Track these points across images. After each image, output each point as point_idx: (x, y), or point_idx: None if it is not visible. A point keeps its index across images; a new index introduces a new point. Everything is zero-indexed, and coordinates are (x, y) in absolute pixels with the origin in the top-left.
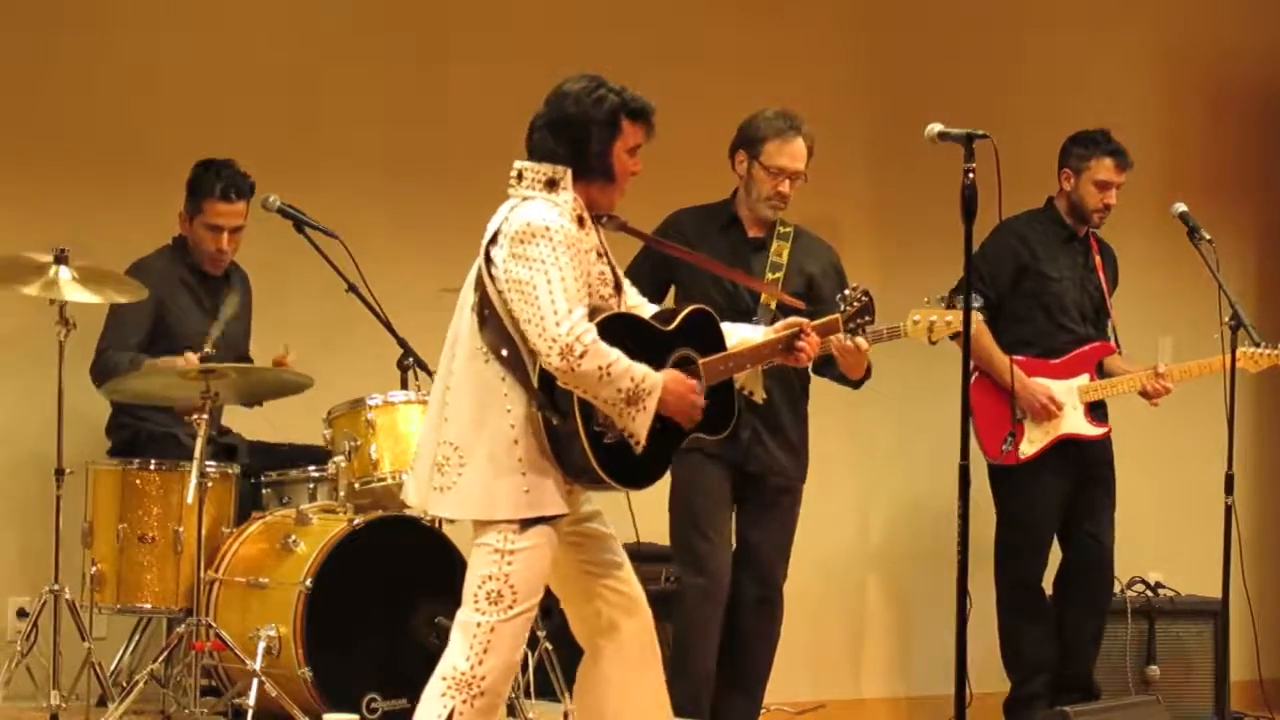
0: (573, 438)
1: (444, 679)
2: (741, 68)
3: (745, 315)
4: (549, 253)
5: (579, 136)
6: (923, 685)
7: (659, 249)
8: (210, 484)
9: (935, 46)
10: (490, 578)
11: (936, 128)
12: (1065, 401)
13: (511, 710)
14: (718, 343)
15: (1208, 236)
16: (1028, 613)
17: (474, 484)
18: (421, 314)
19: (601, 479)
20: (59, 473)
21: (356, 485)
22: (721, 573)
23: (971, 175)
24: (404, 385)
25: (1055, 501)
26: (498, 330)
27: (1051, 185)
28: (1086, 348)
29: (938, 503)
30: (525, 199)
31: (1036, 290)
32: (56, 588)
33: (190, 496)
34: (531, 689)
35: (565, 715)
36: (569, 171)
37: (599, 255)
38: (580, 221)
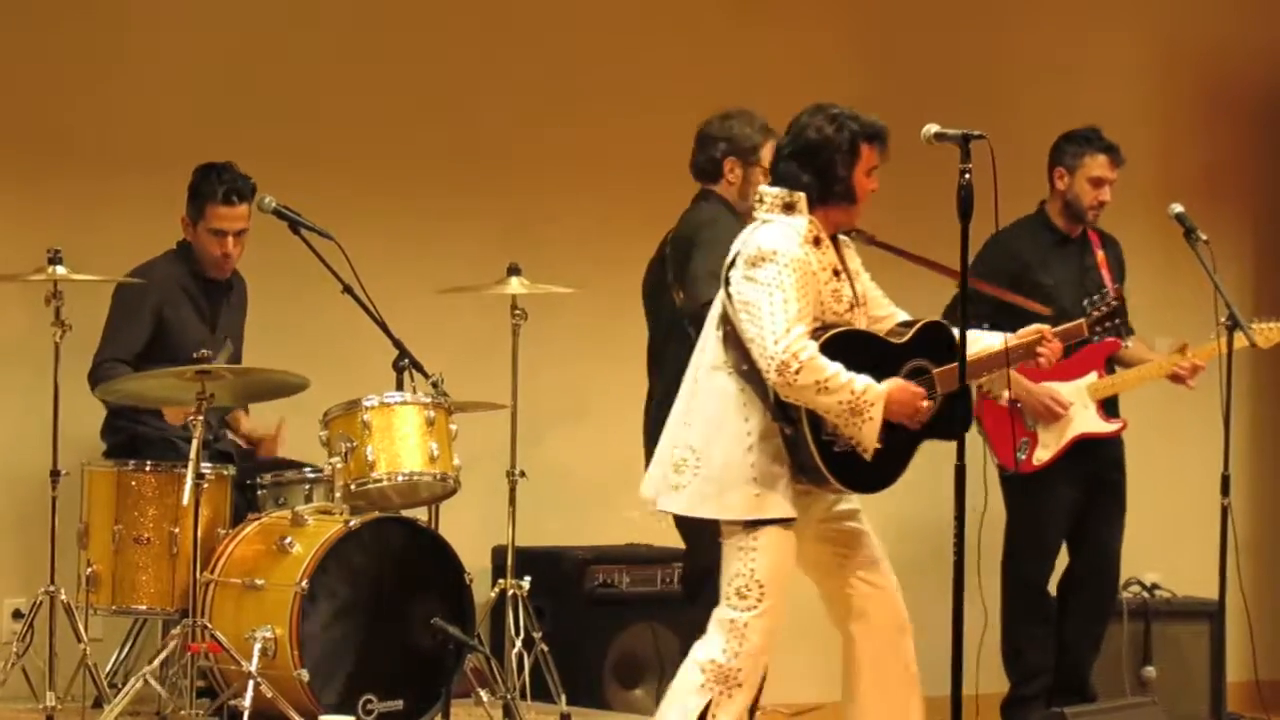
0: (803, 445)
1: (702, 671)
2: (738, 72)
3: None
4: (775, 275)
5: (823, 164)
6: (921, 686)
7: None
8: (206, 485)
9: (930, 47)
10: (738, 574)
11: (933, 129)
12: (1075, 401)
13: (507, 711)
14: (952, 352)
15: (1204, 237)
16: (1031, 616)
17: (708, 485)
18: (417, 315)
19: (831, 484)
20: (54, 474)
21: (353, 487)
22: None
23: (968, 176)
24: (399, 386)
25: (1066, 508)
26: (738, 346)
27: (1045, 187)
28: (1091, 345)
29: (939, 503)
30: (764, 222)
31: (1034, 299)
32: (52, 589)
33: (186, 498)
34: (528, 690)
35: (561, 717)
36: (804, 196)
37: (835, 274)
38: (816, 242)
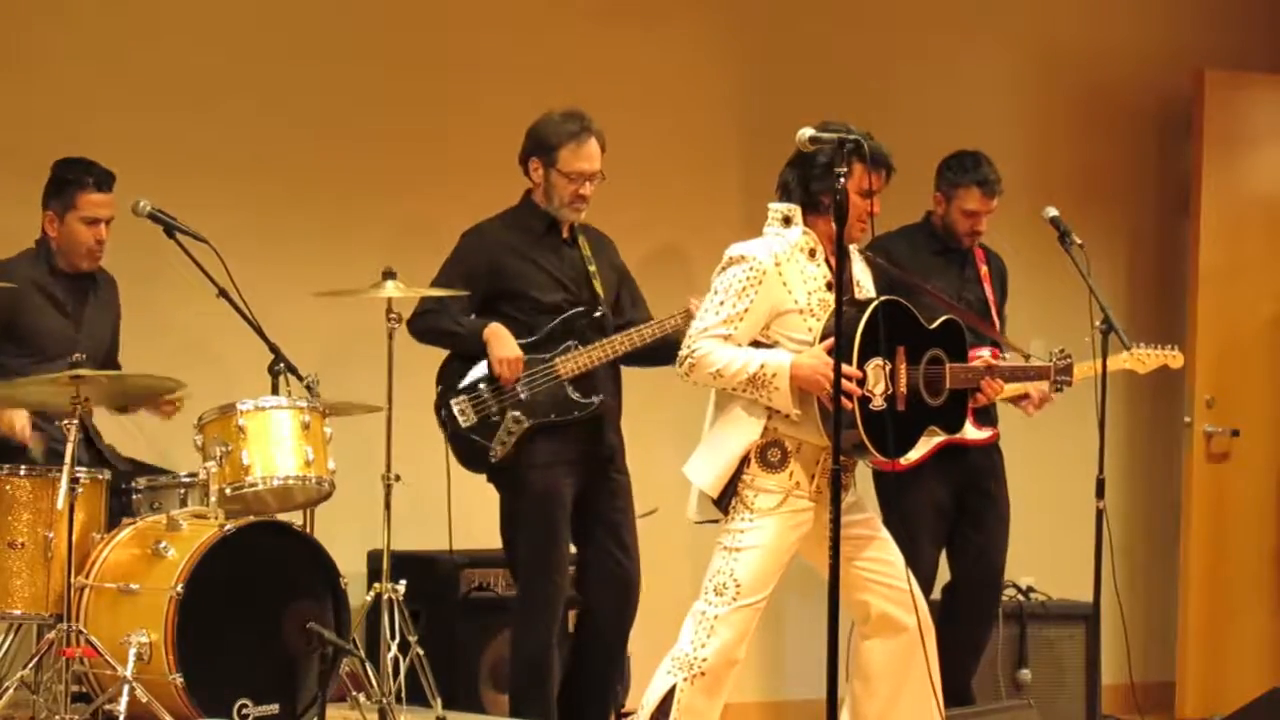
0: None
1: (672, 659)
2: (606, 74)
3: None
4: (726, 280)
5: (812, 177)
6: (796, 690)
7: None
8: (80, 489)
9: (804, 49)
10: (719, 572)
11: (808, 132)
12: None
13: (383, 715)
14: (961, 351)
15: (1079, 241)
16: None
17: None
18: (292, 319)
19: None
20: None
21: (228, 491)
22: None
23: (843, 180)
24: (275, 390)
25: (934, 508)
26: None
27: (923, 190)
28: (973, 350)
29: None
30: (764, 233)
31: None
32: None
33: (60, 502)
34: (403, 694)
35: None
36: (799, 209)
37: (828, 286)
38: (811, 254)
